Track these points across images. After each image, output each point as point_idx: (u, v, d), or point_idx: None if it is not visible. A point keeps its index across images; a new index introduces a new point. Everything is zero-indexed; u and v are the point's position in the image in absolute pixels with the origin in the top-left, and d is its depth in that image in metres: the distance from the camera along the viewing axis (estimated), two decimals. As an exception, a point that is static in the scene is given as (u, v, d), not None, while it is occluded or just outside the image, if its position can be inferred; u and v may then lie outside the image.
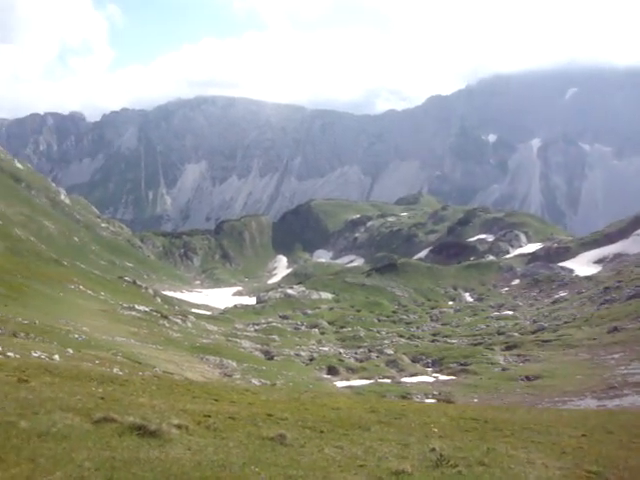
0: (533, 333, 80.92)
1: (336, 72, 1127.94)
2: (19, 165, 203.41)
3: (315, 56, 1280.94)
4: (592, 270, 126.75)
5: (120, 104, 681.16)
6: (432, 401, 48.06)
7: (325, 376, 62.67)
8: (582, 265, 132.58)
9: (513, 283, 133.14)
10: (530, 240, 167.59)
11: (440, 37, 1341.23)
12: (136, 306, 79.94)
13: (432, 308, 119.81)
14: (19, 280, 63.87)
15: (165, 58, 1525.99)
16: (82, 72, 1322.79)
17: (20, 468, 9.64)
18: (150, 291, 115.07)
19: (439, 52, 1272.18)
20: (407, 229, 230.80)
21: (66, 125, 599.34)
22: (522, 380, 56.00)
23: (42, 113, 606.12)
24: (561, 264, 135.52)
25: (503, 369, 62.73)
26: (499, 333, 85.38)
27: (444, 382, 59.52)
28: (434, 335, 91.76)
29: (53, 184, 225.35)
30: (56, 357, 30.76)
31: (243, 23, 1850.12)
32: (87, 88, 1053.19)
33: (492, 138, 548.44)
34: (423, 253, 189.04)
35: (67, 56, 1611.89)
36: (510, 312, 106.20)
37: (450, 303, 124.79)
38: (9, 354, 27.20)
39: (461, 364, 66.29)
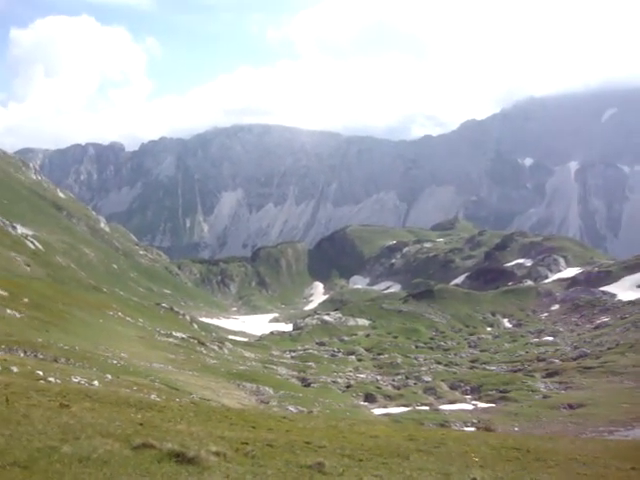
0: (575, 360, 79.01)
1: (371, 98, 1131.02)
2: (61, 194, 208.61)
3: (349, 83, 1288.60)
4: (636, 294, 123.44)
5: (158, 134, 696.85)
6: (471, 429, 47.17)
7: (362, 403, 62.13)
8: (625, 289, 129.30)
9: (553, 308, 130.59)
10: (569, 264, 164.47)
11: (474, 62, 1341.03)
12: (173, 333, 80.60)
13: (470, 334, 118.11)
14: (60, 307, 65.01)
15: (201, 88, 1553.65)
16: (121, 103, 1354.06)
17: (62, 494, 9.72)
18: (187, 318, 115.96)
19: (473, 77, 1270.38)
20: (444, 255, 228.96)
21: (106, 155, 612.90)
22: (564, 408, 54.67)
23: (83, 144, 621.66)
24: (602, 288, 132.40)
25: (544, 397, 61.38)
26: (539, 360, 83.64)
27: (483, 410, 58.44)
28: (472, 362, 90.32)
29: (93, 212, 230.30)
30: (95, 383, 31.11)
31: (277, 52, 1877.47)
32: (126, 119, 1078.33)
33: (528, 162, 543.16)
34: (460, 279, 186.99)
35: (107, 88, 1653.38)
36: (550, 338, 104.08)
37: (488, 329, 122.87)
38: (50, 379, 27.61)
39: (500, 391, 65.09)
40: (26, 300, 59.25)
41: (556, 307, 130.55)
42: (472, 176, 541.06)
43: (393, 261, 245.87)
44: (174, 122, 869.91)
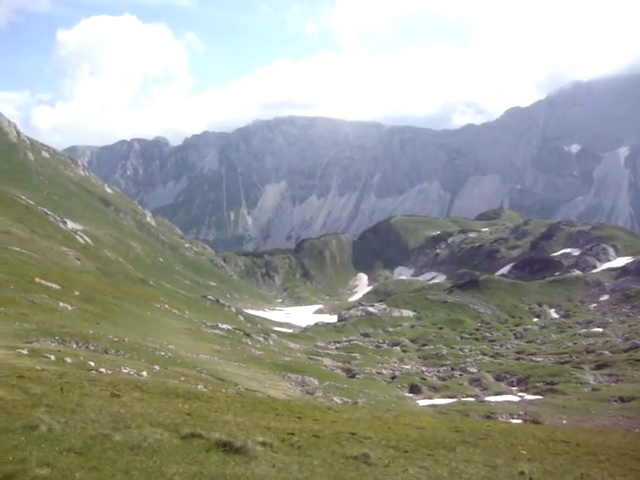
0: (626, 351, 77.07)
1: (410, 87, 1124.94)
2: (108, 189, 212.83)
3: (389, 73, 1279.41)
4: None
5: (200, 128, 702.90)
6: (518, 421, 46.60)
7: (407, 394, 61.99)
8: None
9: (602, 299, 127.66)
10: (619, 254, 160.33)
11: (515, 48, 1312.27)
12: (219, 324, 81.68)
13: (516, 325, 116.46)
14: (109, 299, 66.54)
15: (239, 82, 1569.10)
16: (163, 99, 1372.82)
17: (116, 479, 10.03)
18: (233, 310, 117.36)
19: (515, 63, 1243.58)
20: (489, 245, 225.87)
21: (151, 150, 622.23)
22: (615, 401, 53.53)
23: (129, 139, 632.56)
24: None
25: (593, 389, 60.21)
26: (588, 351, 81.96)
27: (530, 402, 57.65)
28: (518, 353, 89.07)
29: (139, 207, 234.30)
30: (144, 373, 31.80)
31: (316, 44, 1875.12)
32: (168, 114, 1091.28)
33: (575, 149, 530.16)
34: (505, 269, 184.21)
35: (149, 85, 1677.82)
36: (599, 329, 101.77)
37: (535, 320, 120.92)
38: (101, 370, 28.35)
39: (547, 383, 64.08)
40: (77, 293, 60.82)
41: (605, 297, 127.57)
42: (517, 164, 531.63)
43: (437, 251, 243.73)
44: (215, 117, 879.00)
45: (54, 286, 58.97)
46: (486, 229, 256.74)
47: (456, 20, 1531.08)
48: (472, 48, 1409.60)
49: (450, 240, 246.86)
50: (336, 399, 49.86)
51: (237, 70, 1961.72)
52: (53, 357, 29.25)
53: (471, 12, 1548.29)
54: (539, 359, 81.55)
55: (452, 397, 60.69)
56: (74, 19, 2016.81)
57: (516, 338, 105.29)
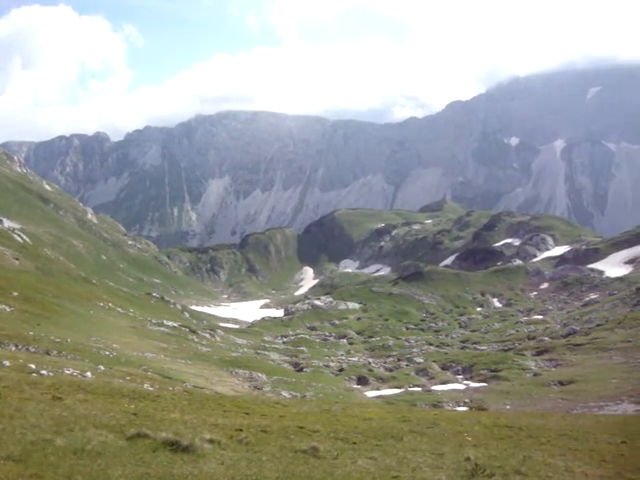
0: (564, 337, 79.68)
1: (352, 82, 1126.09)
2: (47, 186, 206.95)
3: (330, 67, 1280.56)
4: (623, 271, 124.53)
5: (139, 124, 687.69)
6: (464, 409, 47.59)
7: (355, 386, 62.46)
8: (613, 266, 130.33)
9: (542, 287, 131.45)
10: (557, 243, 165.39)
11: (455, 42, 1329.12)
12: (165, 322, 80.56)
13: (460, 315, 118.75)
14: (50, 299, 64.76)
15: (179, 77, 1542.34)
16: (101, 94, 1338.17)
17: (57, 486, 9.74)
18: (178, 306, 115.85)
19: (454, 57, 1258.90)
20: (432, 236, 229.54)
21: (91, 146, 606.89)
22: (555, 385, 55.21)
23: (68, 135, 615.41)
24: (591, 266, 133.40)
25: (535, 374, 61.94)
26: (529, 338, 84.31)
27: (475, 389, 58.93)
28: (463, 342, 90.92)
29: (80, 204, 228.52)
30: (88, 374, 31.08)
31: (256, 38, 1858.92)
32: (107, 109, 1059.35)
33: (514, 141, 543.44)
34: (449, 260, 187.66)
35: (86, 79, 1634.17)
36: (540, 316, 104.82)
37: (478, 309, 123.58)
38: (43, 372, 27.57)
39: (492, 370, 65.61)
40: (16, 294, 58.96)
41: (545, 285, 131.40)
42: (458, 157, 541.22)
43: (382, 244, 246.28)
44: (154, 112, 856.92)
45: (-9, 287, 57.02)
46: (429, 221, 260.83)
47: (395, 14, 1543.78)
48: (411, 42, 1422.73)
49: (394, 232, 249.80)
50: (284, 393, 49.87)
51: (175, 64, 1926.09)
52: (-9, 360, 28.26)
53: (410, 6, 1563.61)
54: (483, 347, 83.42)
55: (399, 387, 61.43)
56: (3, 9, 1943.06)
57: (461, 327, 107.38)
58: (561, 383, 55.29)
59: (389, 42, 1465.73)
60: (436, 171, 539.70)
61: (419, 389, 60.51)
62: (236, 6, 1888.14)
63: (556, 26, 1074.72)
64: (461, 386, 61.61)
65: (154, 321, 79.87)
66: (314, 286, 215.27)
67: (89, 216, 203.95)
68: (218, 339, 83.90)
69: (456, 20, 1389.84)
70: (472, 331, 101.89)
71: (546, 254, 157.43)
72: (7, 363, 28.53)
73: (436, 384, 62.62)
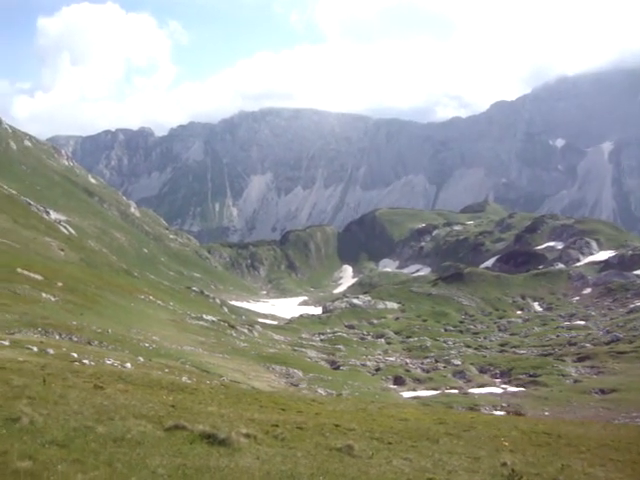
0: (607, 344, 77.88)
1: (395, 80, 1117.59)
2: (92, 180, 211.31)
3: (373, 65, 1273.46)
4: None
5: (183, 119, 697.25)
6: (501, 413, 46.99)
7: (391, 386, 62.25)
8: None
9: (584, 292, 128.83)
10: (602, 247, 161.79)
11: (499, 42, 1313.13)
12: (204, 316, 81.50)
13: (500, 318, 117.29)
14: (93, 290, 66.12)
15: (222, 73, 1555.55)
16: (146, 90, 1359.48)
17: (99, 472, 9.95)
18: (217, 301, 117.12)
19: (501, 57, 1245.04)
20: (473, 238, 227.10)
21: (136, 140, 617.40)
22: (596, 393, 54.09)
23: (113, 130, 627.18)
24: (636, 272, 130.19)
25: (575, 381, 60.79)
26: (570, 344, 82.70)
27: (513, 394, 58.11)
28: (502, 345, 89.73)
29: (124, 197, 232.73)
30: (128, 365, 31.65)
31: (299, 36, 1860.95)
32: (151, 105, 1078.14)
33: (560, 143, 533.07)
34: (490, 262, 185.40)
35: (132, 75, 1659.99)
36: (582, 322, 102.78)
37: (518, 313, 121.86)
38: (85, 361, 28.17)
39: (530, 375, 64.62)
40: (60, 284, 60.35)
41: (588, 291, 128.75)
42: (502, 158, 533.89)
43: (422, 244, 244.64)
44: (197, 108, 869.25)
45: (37, 277, 58.49)
46: (471, 222, 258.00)
47: (440, 12, 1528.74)
48: (455, 41, 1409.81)
49: (435, 233, 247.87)
50: (320, 391, 49.97)
51: (219, 61, 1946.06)
52: (35, 348, 29.01)
53: (455, 4, 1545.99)
54: (522, 351, 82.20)
55: (436, 389, 61.02)
56: (55, 6, 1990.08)
57: (500, 331, 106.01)
58: (602, 391, 54.14)
59: (433, 40, 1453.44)
60: (479, 172, 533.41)
61: (456, 391, 60.00)
62: (280, 4, 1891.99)
63: (605, 24, 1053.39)
64: (499, 390, 60.87)
65: (193, 315, 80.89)
66: (353, 285, 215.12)
67: (132, 210, 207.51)
68: (256, 334, 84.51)
69: (501, 18, 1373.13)
70: (511, 334, 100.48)
71: (590, 259, 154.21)
72: (51, 351, 29.26)
73: (473, 387, 62.02)
